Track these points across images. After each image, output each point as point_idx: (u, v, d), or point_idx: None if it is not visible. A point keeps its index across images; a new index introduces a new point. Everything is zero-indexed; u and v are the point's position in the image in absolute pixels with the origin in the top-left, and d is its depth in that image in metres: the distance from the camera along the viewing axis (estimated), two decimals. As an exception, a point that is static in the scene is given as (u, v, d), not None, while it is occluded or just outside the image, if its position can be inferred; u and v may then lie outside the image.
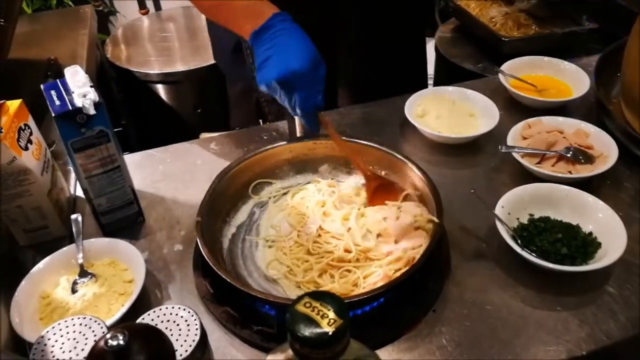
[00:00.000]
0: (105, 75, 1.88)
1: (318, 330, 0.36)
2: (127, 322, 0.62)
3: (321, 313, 0.36)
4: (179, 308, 0.62)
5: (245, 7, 0.83)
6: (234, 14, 0.85)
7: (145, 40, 2.13)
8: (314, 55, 0.79)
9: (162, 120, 2.05)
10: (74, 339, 0.60)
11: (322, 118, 0.83)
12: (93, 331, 0.60)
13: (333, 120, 1.07)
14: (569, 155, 0.90)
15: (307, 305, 0.37)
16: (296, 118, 0.96)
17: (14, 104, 0.79)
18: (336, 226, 0.80)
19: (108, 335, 0.43)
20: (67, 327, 0.61)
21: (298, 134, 0.94)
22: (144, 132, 2.05)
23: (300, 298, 0.37)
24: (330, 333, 0.36)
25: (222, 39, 1.24)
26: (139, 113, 2.04)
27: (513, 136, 0.94)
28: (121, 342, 0.42)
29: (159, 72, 1.92)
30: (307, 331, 0.36)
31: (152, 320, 0.61)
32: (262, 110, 1.18)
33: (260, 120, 1.16)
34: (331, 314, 0.36)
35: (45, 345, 0.59)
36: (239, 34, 0.85)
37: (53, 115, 0.72)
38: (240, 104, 1.33)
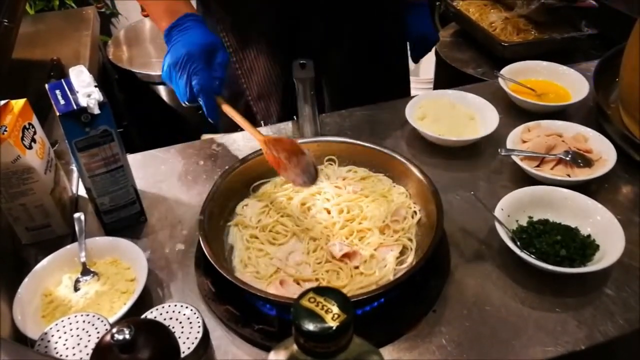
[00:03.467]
0: (107, 76, 1.89)
1: (322, 324, 0.36)
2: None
3: (325, 308, 0.37)
4: (182, 306, 0.63)
5: (165, 6, 0.91)
6: (156, 12, 0.93)
7: (147, 41, 2.14)
8: (210, 41, 0.86)
9: (164, 122, 2.06)
10: (77, 335, 0.60)
11: (220, 102, 0.87)
12: (96, 328, 0.61)
13: (334, 122, 1.08)
14: (568, 158, 0.90)
15: (312, 300, 0.37)
16: (299, 119, 0.97)
17: (18, 103, 0.80)
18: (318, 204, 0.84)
19: (114, 330, 0.43)
20: (70, 324, 0.62)
21: (302, 135, 0.95)
22: (145, 133, 2.06)
23: (304, 293, 0.38)
24: (334, 327, 0.36)
25: None
26: (140, 114, 2.05)
27: (512, 139, 0.95)
28: (127, 336, 0.43)
29: (161, 73, 1.92)
30: (311, 325, 0.36)
31: (155, 318, 0.62)
32: (251, 110, 1.19)
33: (262, 122, 1.17)
34: (335, 309, 0.37)
35: (48, 342, 0.60)
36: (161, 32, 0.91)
37: (58, 114, 0.72)
38: (232, 106, 1.32)
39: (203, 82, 0.85)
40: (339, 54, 1.15)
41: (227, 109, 0.88)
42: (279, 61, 1.11)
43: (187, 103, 0.89)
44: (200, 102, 0.88)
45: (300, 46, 1.10)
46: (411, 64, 1.34)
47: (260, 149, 0.89)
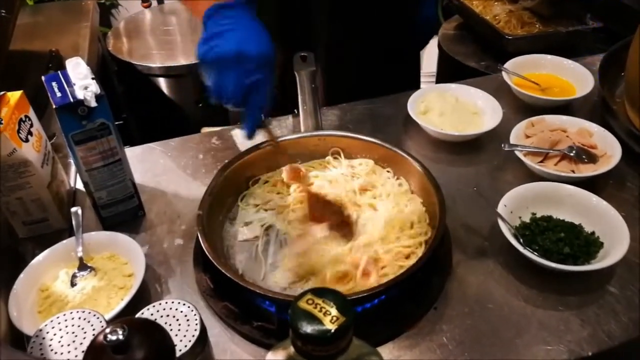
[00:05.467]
0: (106, 68, 1.87)
1: (320, 327, 0.35)
2: (126, 317, 0.62)
3: (324, 310, 0.36)
4: (179, 303, 0.62)
5: None
6: None
7: (147, 33, 2.12)
8: (271, 46, 0.74)
9: (164, 114, 2.05)
10: (73, 332, 0.59)
11: (265, 122, 0.80)
12: (92, 325, 0.60)
13: (335, 116, 1.07)
14: (572, 154, 0.89)
15: (310, 302, 0.36)
16: (300, 113, 0.96)
17: (14, 95, 0.79)
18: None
19: (107, 330, 0.43)
20: (65, 320, 0.61)
21: (302, 128, 0.94)
22: (145, 125, 2.04)
23: (302, 294, 0.37)
24: (332, 330, 0.35)
25: None
26: (140, 107, 2.03)
27: (516, 134, 0.94)
28: (121, 336, 0.42)
29: (161, 65, 1.91)
30: (309, 328, 0.35)
31: (152, 314, 0.61)
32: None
33: (262, 115, 1.15)
34: (334, 311, 0.36)
35: (43, 338, 0.59)
36: (191, 8, 0.82)
37: (54, 107, 0.71)
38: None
39: (260, 91, 0.73)
40: (346, 48, 1.12)
41: (269, 130, 0.84)
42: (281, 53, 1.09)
43: (226, 104, 0.75)
44: (243, 111, 0.76)
45: (301, 39, 1.08)
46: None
47: (261, 143, 0.88)
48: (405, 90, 1.07)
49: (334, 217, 0.81)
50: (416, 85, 1.32)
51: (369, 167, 0.88)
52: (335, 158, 0.91)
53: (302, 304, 0.36)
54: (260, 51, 0.72)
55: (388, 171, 0.88)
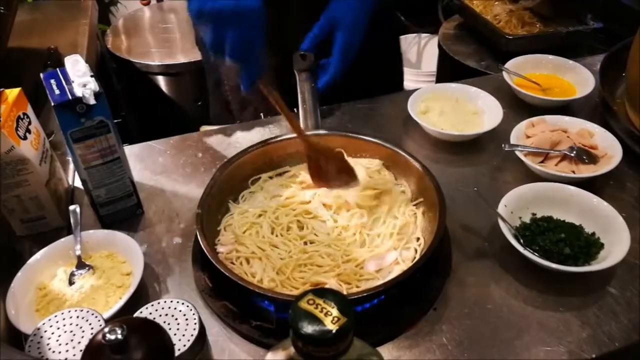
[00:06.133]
0: (105, 66, 1.87)
1: (321, 328, 0.35)
2: (124, 316, 0.61)
3: (325, 310, 0.35)
4: (178, 302, 0.62)
5: None
6: None
7: (146, 31, 2.12)
8: (263, 5, 0.74)
9: (162, 112, 2.04)
10: (71, 331, 0.59)
11: (263, 79, 0.77)
12: (90, 324, 0.60)
13: (334, 116, 1.06)
14: (572, 154, 0.89)
15: (311, 302, 0.36)
16: (300, 112, 0.95)
17: (12, 93, 0.78)
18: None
19: (106, 329, 0.42)
20: (63, 319, 0.60)
21: (302, 127, 0.93)
22: (143, 123, 2.04)
23: (303, 295, 0.37)
24: (333, 331, 0.35)
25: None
26: (138, 104, 2.03)
27: (516, 135, 0.93)
28: (119, 336, 0.42)
29: (160, 63, 1.91)
30: (310, 329, 0.35)
31: (150, 313, 0.60)
32: (227, 100, 1.15)
33: (262, 114, 1.15)
34: (335, 312, 0.35)
35: (41, 337, 0.59)
36: None
37: (52, 104, 0.71)
38: (215, 97, 1.28)
39: (259, 46, 0.74)
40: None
41: (266, 86, 0.79)
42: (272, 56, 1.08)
43: (226, 57, 0.74)
44: (242, 65, 0.76)
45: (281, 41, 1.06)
46: (413, 56, 1.32)
47: (262, 141, 0.88)
48: (389, 88, 1.07)
49: (333, 167, 0.83)
50: (399, 83, 1.30)
51: (376, 166, 0.87)
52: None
53: (303, 304, 0.36)
54: (256, 5, 0.72)
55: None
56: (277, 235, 0.78)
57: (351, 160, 0.86)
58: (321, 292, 0.37)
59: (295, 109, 1.02)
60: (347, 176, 0.83)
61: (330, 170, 0.83)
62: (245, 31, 0.72)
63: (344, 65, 0.91)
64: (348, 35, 0.91)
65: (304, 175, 0.86)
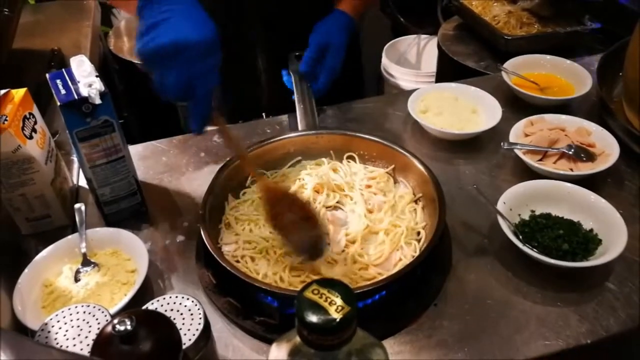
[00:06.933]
0: (107, 67, 1.88)
1: (326, 316, 0.36)
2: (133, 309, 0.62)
3: (329, 300, 0.36)
4: (183, 297, 0.63)
5: None
6: None
7: (147, 33, 2.13)
8: (214, 32, 0.68)
9: (164, 113, 2.05)
10: (78, 326, 0.60)
11: (215, 114, 0.73)
12: (97, 319, 0.61)
13: (335, 115, 1.07)
14: (570, 152, 0.90)
15: (315, 292, 0.37)
16: (297, 112, 0.96)
17: (19, 93, 0.79)
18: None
19: (115, 321, 0.43)
20: (70, 314, 0.61)
21: (300, 127, 0.94)
22: (145, 124, 2.05)
23: (308, 285, 0.38)
24: (337, 319, 0.36)
25: None
26: (141, 105, 2.04)
27: (515, 133, 0.95)
28: (129, 327, 0.43)
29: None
30: (315, 317, 0.36)
31: (156, 309, 0.61)
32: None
33: (264, 114, 1.16)
34: (339, 301, 0.37)
35: (49, 332, 0.60)
36: (123, 8, 0.77)
37: (59, 104, 0.72)
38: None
39: (206, 80, 0.68)
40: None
41: (220, 122, 0.75)
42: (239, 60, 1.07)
43: (172, 100, 0.70)
44: (189, 104, 0.71)
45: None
46: (413, 57, 1.32)
47: (263, 141, 0.89)
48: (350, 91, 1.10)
49: (297, 211, 0.75)
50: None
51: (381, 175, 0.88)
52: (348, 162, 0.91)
53: (308, 293, 0.37)
54: (200, 38, 0.66)
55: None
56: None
57: (353, 193, 0.83)
58: (326, 282, 0.38)
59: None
60: (313, 229, 0.74)
61: (291, 219, 0.74)
62: (188, 67, 0.66)
63: (330, 81, 0.99)
64: (336, 60, 0.99)
65: (306, 177, 0.87)
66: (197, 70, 0.67)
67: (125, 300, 0.69)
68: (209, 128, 0.82)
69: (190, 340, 0.59)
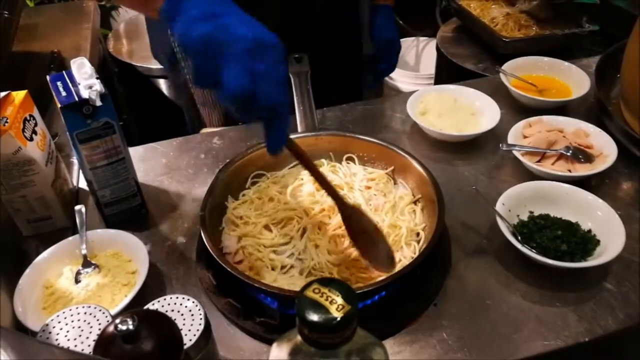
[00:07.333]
0: (107, 69, 1.88)
1: (327, 315, 0.36)
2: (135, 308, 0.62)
3: (330, 299, 0.37)
4: (183, 298, 0.63)
5: None
6: None
7: (147, 35, 2.13)
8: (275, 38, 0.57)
9: (164, 115, 2.06)
10: (79, 327, 0.60)
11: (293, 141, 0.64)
12: (97, 320, 0.61)
13: (335, 117, 1.08)
14: (568, 154, 0.91)
15: (316, 291, 0.37)
16: (297, 114, 0.97)
17: (19, 95, 0.79)
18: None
19: (117, 320, 0.43)
20: (71, 315, 0.61)
21: (299, 129, 0.95)
22: (145, 126, 2.05)
23: (309, 284, 0.38)
24: (338, 318, 0.36)
25: (160, 41, 1.23)
26: (140, 108, 2.04)
27: (514, 135, 0.95)
28: (131, 326, 0.43)
29: (161, 67, 1.92)
30: (316, 316, 0.36)
31: (157, 309, 0.62)
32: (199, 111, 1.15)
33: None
34: (339, 300, 0.37)
35: (50, 333, 0.60)
36: (146, 10, 0.63)
37: (59, 106, 0.72)
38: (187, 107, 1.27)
39: (285, 93, 0.56)
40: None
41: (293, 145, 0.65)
42: None
43: (249, 113, 0.56)
44: (275, 118, 0.57)
45: None
46: (411, 59, 1.35)
47: (262, 142, 0.89)
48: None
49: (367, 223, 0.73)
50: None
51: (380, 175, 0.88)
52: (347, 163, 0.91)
53: (309, 292, 0.37)
54: (278, 41, 0.55)
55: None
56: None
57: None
58: (326, 281, 0.38)
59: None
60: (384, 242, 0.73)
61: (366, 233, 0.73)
62: (276, 69, 0.54)
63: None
64: (398, 43, 1.26)
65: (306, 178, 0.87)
66: (280, 75, 0.55)
67: (126, 301, 0.69)
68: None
69: (190, 340, 0.59)
